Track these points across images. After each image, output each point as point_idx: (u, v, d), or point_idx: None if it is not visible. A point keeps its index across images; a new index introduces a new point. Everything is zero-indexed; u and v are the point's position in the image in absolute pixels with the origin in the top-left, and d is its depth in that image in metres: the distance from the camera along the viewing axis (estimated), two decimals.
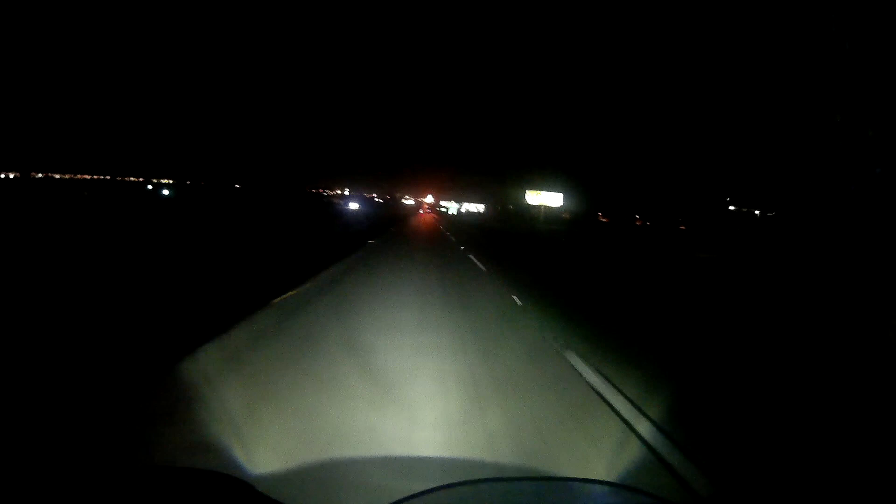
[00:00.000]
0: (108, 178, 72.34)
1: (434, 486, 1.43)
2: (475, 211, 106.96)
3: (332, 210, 56.07)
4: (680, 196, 61.42)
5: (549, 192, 69.45)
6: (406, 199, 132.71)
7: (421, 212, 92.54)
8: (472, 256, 16.41)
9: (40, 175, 64.79)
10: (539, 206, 70.41)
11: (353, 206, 68.22)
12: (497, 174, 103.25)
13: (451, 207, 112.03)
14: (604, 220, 76.38)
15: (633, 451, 3.49)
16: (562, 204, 70.12)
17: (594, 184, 68.80)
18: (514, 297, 9.34)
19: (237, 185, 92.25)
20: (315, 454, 3.03)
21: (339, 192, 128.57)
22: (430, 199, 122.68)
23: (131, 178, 79.50)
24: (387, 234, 24.81)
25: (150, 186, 69.51)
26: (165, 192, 62.09)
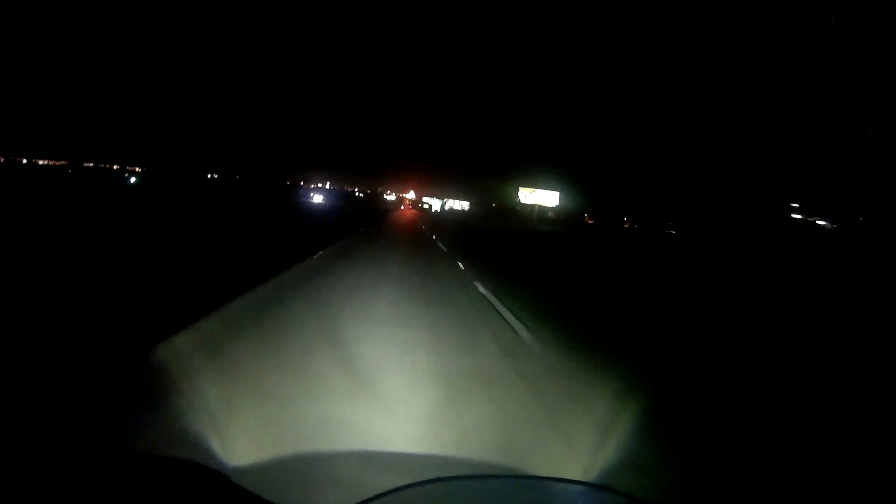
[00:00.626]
0: (67, 163, 65.90)
1: (410, 482, 1.43)
2: (459, 209, 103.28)
3: (296, 204, 48.16)
4: (679, 197, 58.90)
5: (544, 191, 65.99)
6: (388, 195, 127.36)
7: (402, 207, 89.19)
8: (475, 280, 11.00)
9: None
10: (533, 206, 67.00)
11: (317, 199, 63.03)
12: (484, 171, 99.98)
13: (435, 204, 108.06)
14: (590, 221, 73.80)
15: None
16: (557, 203, 66.75)
17: (594, 183, 65.78)
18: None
19: (213, 175, 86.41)
20: None
21: (318, 185, 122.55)
22: (411, 195, 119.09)
23: (102, 165, 73.06)
24: (352, 237, 18.04)
25: (127, 174, 63.46)
26: (133, 179, 57.09)
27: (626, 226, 71.48)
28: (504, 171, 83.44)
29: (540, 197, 66.11)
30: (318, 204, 53.85)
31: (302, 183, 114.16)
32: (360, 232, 20.92)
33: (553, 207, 68.04)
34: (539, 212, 66.89)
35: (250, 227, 18.10)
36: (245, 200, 40.30)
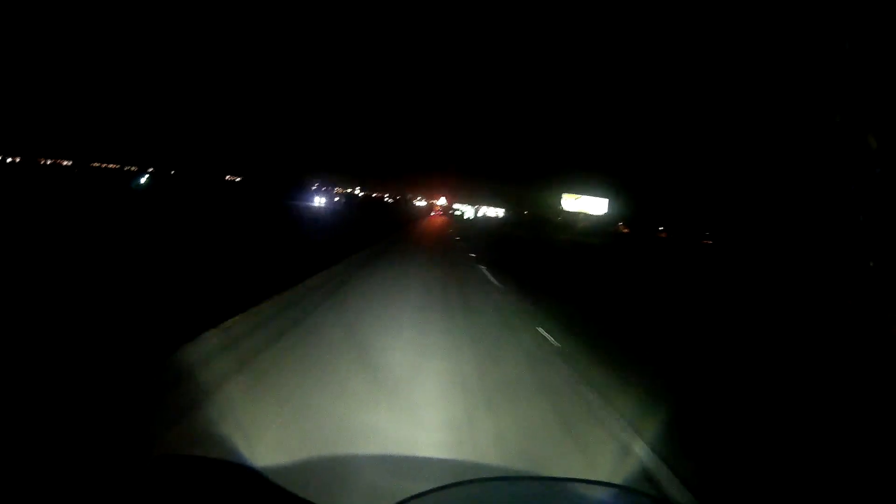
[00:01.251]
0: (72, 163, 61.80)
1: (437, 485, 1.42)
2: (493, 216, 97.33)
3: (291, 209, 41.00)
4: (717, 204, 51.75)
5: (590, 197, 59.63)
6: (418, 201, 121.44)
7: (432, 214, 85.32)
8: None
9: None
10: (577, 213, 60.69)
11: (318, 202, 55.93)
12: (522, 177, 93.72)
13: (467, 212, 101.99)
14: (625, 230, 67.09)
15: None
16: (606, 211, 60.24)
17: (647, 189, 59.08)
18: None
19: (234, 178, 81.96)
20: None
21: (349, 191, 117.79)
22: (442, 201, 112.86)
23: (111, 165, 68.92)
24: (353, 265, 11.91)
25: (137, 175, 59.18)
26: (142, 180, 53.25)
27: (662, 236, 65.23)
28: (544, 176, 77.01)
29: (586, 204, 59.76)
30: (320, 209, 46.98)
31: (325, 188, 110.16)
32: (372, 251, 15.08)
33: (601, 216, 61.51)
34: (584, 220, 60.49)
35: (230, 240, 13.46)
36: (248, 205, 35.47)
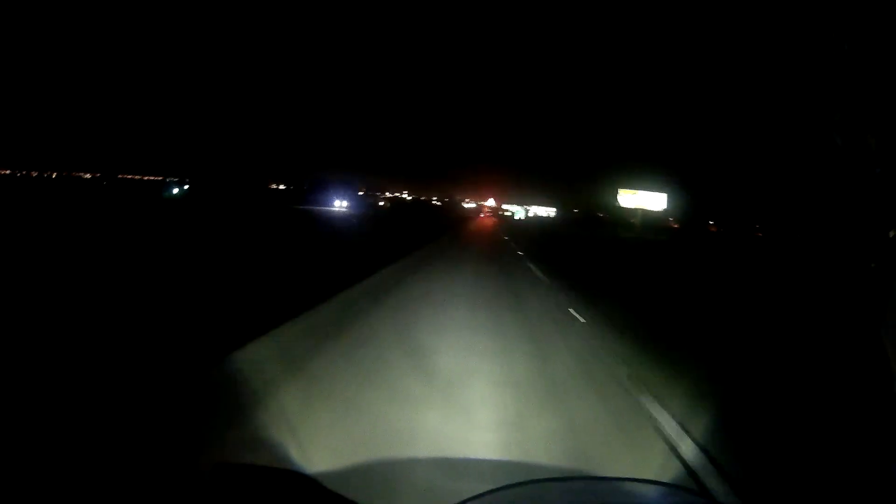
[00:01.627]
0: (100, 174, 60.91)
1: (490, 487, 1.44)
2: (545, 216, 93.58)
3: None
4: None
5: (647, 192, 54.55)
6: (466, 203, 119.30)
7: (481, 215, 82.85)
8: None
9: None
10: (635, 210, 55.72)
11: (340, 205, 49.48)
12: (574, 174, 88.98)
13: (517, 212, 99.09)
14: (674, 225, 62.22)
15: None
16: (665, 206, 55.01)
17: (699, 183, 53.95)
18: None
19: (279, 186, 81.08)
20: None
21: (397, 195, 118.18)
22: (490, 202, 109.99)
23: (144, 177, 68.17)
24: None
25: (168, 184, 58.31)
26: (175, 190, 52.69)
27: (711, 230, 59.97)
28: (598, 171, 72.53)
29: (644, 199, 54.71)
30: (343, 214, 40.54)
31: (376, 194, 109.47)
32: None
33: (660, 212, 56.28)
34: (644, 217, 55.46)
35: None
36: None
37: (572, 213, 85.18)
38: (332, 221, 31.87)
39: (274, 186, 79.96)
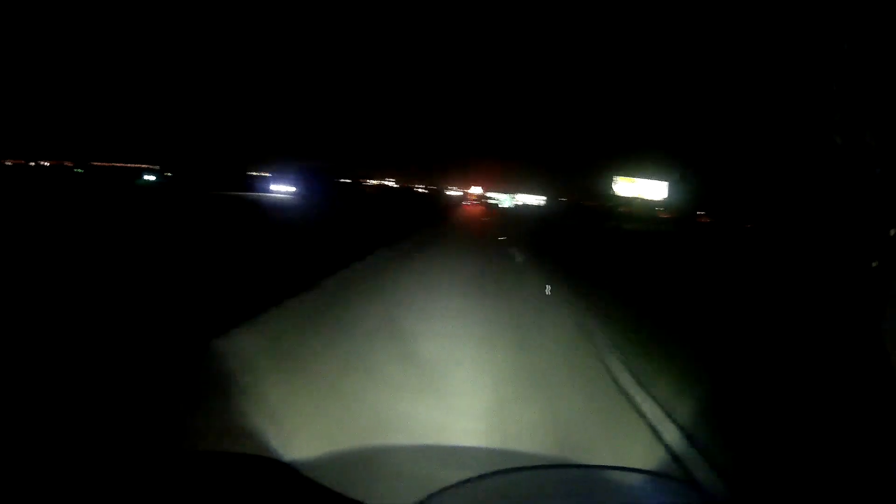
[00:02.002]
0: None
1: (471, 475, 1.44)
2: (534, 204, 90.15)
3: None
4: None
5: (647, 180, 52.51)
6: (451, 191, 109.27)
7: (465, 204, 77.96)
8: None
9: None
10: (633, 199, 53.72)
11: (281, 189, 41.48)
12: (567, 160, 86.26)
13: (504, 200, 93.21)
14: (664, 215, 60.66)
15: None
16: (666, 196, 53.06)
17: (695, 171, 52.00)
18: None
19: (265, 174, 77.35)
20: None
21: (382, 183, 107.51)
22: (476, 189, 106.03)
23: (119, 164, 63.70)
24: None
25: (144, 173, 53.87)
26: (150, 177, 48.55)
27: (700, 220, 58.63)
28: (594, 157, 70.07)
29: (643, 188, 52.70)
30: (286, 198, 34.42)
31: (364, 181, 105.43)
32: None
33: (661, 201, 54.34)
34: (642, 206, 53.46)
35: None
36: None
37: (566, 201, 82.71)
38: (258, 210, 26.55)
39: (254, 173, 75.98)
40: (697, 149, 55.55)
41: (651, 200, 53.64)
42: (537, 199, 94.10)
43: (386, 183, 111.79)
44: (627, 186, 52.97)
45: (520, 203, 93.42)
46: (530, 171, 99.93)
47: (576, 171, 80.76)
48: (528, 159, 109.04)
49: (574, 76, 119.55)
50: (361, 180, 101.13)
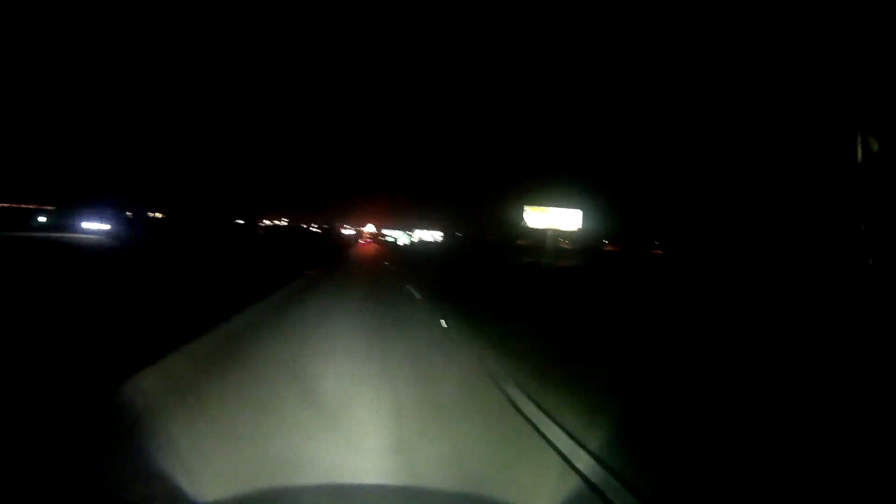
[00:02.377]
0: None
1: None
2: (431, 240, 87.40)
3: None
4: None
5: (560, 209, 47.77)
6: (345, 230, 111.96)
7: (361, 242, 78.61)
8: None
9: None
10: (545, 231, 48.72)
11: (94, 227, 34.43)
12: (470, 192, 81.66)
13: (401, 237, 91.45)
14: (565, 244, 58.26)
15: None
16: (580, 226, 48.48)
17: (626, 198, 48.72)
18: None
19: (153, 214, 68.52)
20: None
21: (275, 222, 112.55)
22: (370, 227, 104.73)
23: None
24: None
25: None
26: (42, 219, 41.68)
27: (609, 248, 58.44)
28: (499, 187, 65.59)
29: (555, 218, 47.86)
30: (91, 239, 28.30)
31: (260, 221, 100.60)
32: None
33: (574, 231, 49.73)
34: (554, 239, 48.62)
35: None
36: None
37: (467, 236, 78.97)
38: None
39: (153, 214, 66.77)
40: (613, 173, 52.51)
41: (564, 231, 48.95)
42: (433, 235, 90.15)
43: (278, 223, 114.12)
44: (538, 217, 47.93)
45: (416, 240, 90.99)
46: (429, 207, 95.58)
47: (481, 203, 76.05)
48: (426, 195, 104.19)
49: (473, 103, 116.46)
50: (257, 220, 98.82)
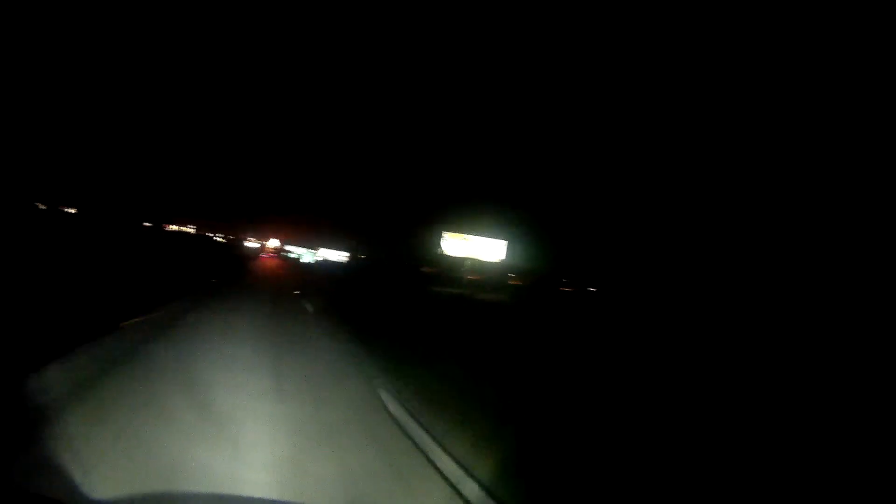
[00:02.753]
0: None
1: None
2: (336, 260, 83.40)
3: None
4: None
5: (482, 238, 43.39)
6: (250, 242, 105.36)
7: (263, 256, 75.09)
8: None
9: None
10: (463, 259, 44.15)
11: None
12: (382, 215, 76.89)
13: (305, 255, 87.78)
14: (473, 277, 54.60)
15: None
16: (504, 256, 44.19)
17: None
18: None
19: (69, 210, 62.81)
20: None
21: (183, 229, 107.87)
22: (274, 242, 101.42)
23: None
24: None
25: None
26: None
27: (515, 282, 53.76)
28: (418, 213, 61.34)
29: (476, 247, 43.41)
30: None
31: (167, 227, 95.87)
32: None
33: (495, 263, 45.36)
34: (474, 268, 44.11)
35: None
36: None
37: (358, 257, 77.57)
38: None
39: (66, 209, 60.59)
40: (541, 204, 49.39)
41: (486, 262, 44.56)
42: (339, 255, 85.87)
43: (185, 229, 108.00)
44: (458, 244, 43.34)
45: (320, 258, 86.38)
46: (338, 228, 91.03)
47: (398, 226, 71.11)
48: (336, 215, 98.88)
49: (391, 127, 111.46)
50: (164, 225, 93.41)
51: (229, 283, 20.45)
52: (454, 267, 44.99)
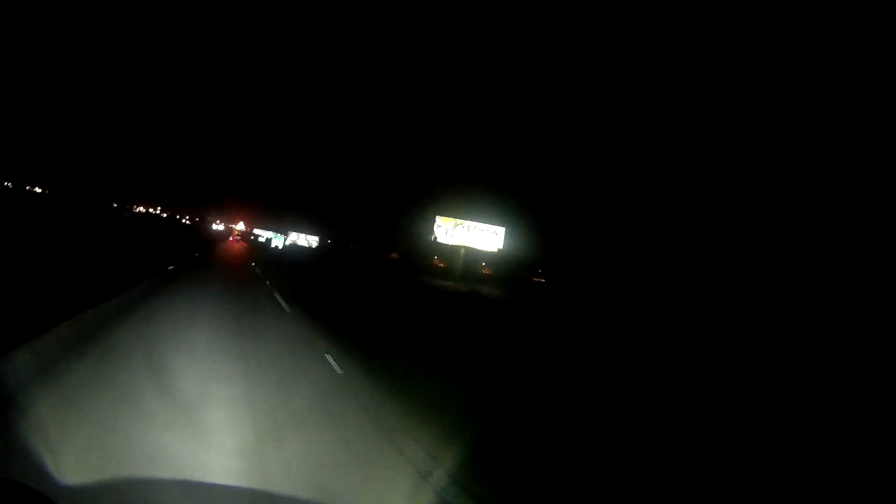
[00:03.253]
0: None
1: None
2: (305, 245, 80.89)
3: None
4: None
5: (480, 224, 39.49)
6: (216, 225, 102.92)
7: (230, 239, 74.79)
8: None
9: None
10: (459, 248, 40.28)
11: None
12: (348, 201, 73.66)
13: (274, 239, 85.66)
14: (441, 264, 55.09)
15: None
16: (501, 246, 40.31)
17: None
18: None
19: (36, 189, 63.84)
20: None
21: (150, 210, 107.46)
22: (240, 226, 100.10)
23: None
24: None
25: None
26: None
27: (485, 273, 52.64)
28: (409, 197, 57.81)
29: (472, 235, 39.54)
30: None
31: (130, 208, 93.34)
32: None
33: (494, 252, 41.56)
34: (468, 260, 40.29)
35: None
36: None
37: (328, 245, 76.60)
38: None
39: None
40: (538, 192, 46.18)
41: (481, 251, 40.75)
42: (309, 241, 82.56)
43: (152, 211, 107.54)
44: (452, 231, 39.40)
45: (289, 243, 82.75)
46: (307, 213, 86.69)
47: (383, 211, 67.07)
48: (305, 201, 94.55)
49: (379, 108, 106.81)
50: (129, 206, 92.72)
51: (194, 270, 20.39)
52: (425, 255, 41.70)
